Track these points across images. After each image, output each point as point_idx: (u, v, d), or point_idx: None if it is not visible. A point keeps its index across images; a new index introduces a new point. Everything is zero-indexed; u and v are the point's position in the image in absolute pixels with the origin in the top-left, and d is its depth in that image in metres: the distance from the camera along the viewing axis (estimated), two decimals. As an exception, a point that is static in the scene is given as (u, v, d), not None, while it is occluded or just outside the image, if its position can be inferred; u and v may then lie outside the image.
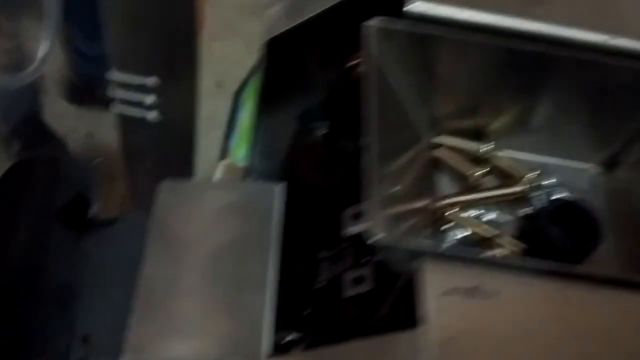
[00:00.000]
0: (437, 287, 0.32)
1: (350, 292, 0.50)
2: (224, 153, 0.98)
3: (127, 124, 0.85)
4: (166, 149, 0.91)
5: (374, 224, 0.36)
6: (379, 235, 0.36)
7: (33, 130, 1.02)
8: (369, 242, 0.36)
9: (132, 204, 1.00)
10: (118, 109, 0.80)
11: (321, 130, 0.65)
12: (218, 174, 0.79)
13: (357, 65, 0.61)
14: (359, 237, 0.53)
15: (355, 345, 0.35)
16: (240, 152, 0.99)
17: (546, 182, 0.52)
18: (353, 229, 0.54)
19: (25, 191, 0.68)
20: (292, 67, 0.59)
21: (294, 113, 0.66)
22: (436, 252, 0.34)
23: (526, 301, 0.33)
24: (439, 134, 0.51)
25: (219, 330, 0.47)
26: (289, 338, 0.53)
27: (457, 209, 0.49)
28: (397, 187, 0.43)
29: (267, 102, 0.62)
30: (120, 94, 0.77)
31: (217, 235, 0.51)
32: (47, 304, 0.67)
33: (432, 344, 0.31)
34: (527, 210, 0.51)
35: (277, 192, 0.54)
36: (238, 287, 0.49)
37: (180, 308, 0.48)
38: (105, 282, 0.71)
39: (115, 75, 0.76)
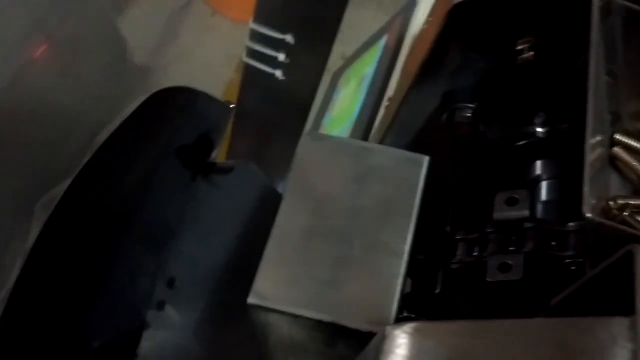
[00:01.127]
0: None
1: (496, 277, 0.49)
2: (315, 128, 0.97)
3: (252, 78, 0.84)
4: (281, 110, 0.90)
5: (588, 205, 0.34)
6: (595, 217, 0.34)
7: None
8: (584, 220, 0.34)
9: (229, 156, 0.99)
10: (250, 61, 0.79)
11: (466, 111, 0.63)
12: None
13: (524, 49, 0.59)
14: (508, 223, 0.52)
15: (539, 323, 0.33)
16: (333, 130, 0.97)
17: None
18: (506, 214, 0.52)
19: (157, 121, 0.67)
20: (462, 40, 0.58)
21: (440, 90, 0.64)
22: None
23: None
24: (617, 131, 0.49)
25: (348, 291, 0.46)
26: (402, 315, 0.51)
27: (629, 212, 0.46)
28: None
29: (422, 75, 0.61)
30: (257, 46, 0.77)
31: (357, 195, 0.50)
32: (142, 239, 0.66)
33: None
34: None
35: (424, 164, 0.52)
36: (373, 251, 0.48)
37: (310, 262, 0.47)
38: (206, 229, 0.70)
39: (257, 27, 0.76)
